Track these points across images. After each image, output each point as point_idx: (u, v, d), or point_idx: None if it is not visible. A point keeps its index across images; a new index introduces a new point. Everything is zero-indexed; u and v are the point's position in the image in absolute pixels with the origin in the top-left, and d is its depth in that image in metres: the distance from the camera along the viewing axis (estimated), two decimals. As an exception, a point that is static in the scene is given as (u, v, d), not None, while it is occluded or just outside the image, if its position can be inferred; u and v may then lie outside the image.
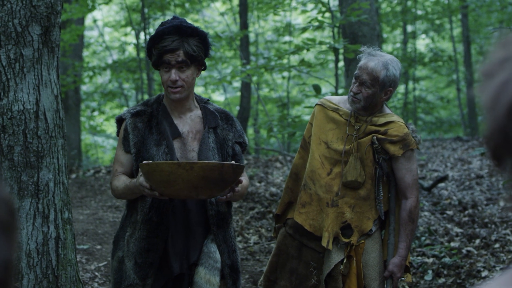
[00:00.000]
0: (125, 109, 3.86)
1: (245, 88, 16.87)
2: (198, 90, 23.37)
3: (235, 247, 3.87)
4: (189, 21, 3.70)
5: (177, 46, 3.62)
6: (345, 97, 4.39)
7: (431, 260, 7.29)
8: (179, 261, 3.67)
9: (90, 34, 24.21)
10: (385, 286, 4.31)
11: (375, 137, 4.18)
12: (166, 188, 3.34)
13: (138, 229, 3.66)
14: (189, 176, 3.28)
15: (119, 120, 3.84)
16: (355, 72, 4.21)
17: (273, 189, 11.06)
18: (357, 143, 4.22)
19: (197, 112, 3.85)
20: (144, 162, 3.39)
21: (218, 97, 25.39)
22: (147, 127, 3.72)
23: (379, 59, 4.14)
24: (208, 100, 4.00)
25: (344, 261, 4.23)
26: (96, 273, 6.96)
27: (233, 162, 3.46)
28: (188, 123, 3.79)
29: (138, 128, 3.71)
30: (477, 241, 7.86)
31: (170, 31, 3.63)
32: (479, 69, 1.20)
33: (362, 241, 4.27)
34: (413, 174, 4.24)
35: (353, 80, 4.21)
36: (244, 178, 3.70)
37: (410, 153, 4.23)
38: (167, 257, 3.66)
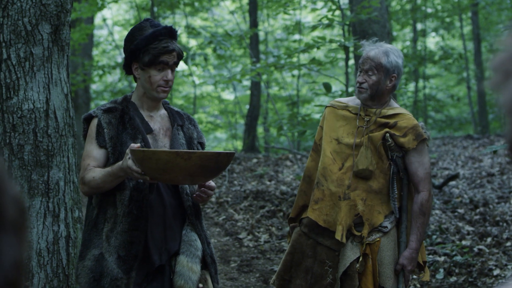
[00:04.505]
0: (92, 109, 3.87)
1: (255, 86, 16.87)
2: (208, 89, 23.40)
3: (209, 239, 3.96)
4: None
5: (173, 48, 3.72)
6: (354, 97, 4.47)
7: (442, 258, 7.26)
8: (159, 252, 3.72)
9: (100, 33, 24.24)
10: (398, 281, 4.30)
11: (388, 134, 4.21)
12: (160, 175, 3.40)
13: (119, 222, 3.65)
14: (187, 165, 3.35)
15: (87, 119, 3.82)
16: (359, 63, 4.35)
17: (284, 188, 11.04)
18: (368, 136, 4.25)
19: (164, 112, 3.94)
20: (139, 148, 3.43)
21: (228, 96, 25.38)
22: (120, 123, 3.76)
23: (379, 48, 4.29)
24: (169, 102, 4.10)
25: (360, 259, 4.22)
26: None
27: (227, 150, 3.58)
28: (158, 120, 3.87)
29: (112, 124, 3.74)
30: (489, 239, 7.82)
31: (164, 32, 3.71)
32: (493, 62, 1.16)
33: (378, 239, 4.26)
34: (425, 167, 4.28)
35: (358, 73, 4.34)
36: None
37: (422, 146, 4.28)
38: (147, 249, 3.69)
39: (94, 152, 3.73)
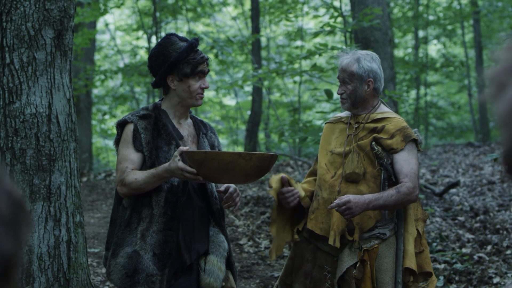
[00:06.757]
0: (126, 114, 4.03)
1: (257, 92, 16.87)
2: (210, 94, 23.43)
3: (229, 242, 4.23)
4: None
5: (207, 57, 4.03)
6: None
7: (442, 266, 7.26)
8: (189, 252, 3.96)
9: (102, 38, 24.25)
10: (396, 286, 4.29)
11: (374, 143, 4.24)
12: (219, 175, 3.63)
13: (155, 222, 3.86)
14: (247, 165, 3.61)
15: (122, 124, 3.99)
16: (337, 76, 4.48)
17: (284, 194, 11.02)
18: (356, 144, 4.30)
19: (190, 120, 4.19)
20: (200, 150, 3.84)
21: (229, 101, 25.40)
22: (155, 129, 3.96)
23: (351, 56, 4.38)
24: (192, 111, 4.35)
25: (357, 265, 4.22)
26: (107, 277, 6.96)
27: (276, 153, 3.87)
28: (186, 128, 4.12)
29: (148, 129, 3.94)
30: (489, 247, 7.82)
31: (196, 44, 3.99)
32: (488, 74, 1.17)
33: (376, 245, 4.25)
34: (411, 166, 4.22)
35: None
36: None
37: (411, 146, 4.27)
38: (179, 248, 3.91)
39: (131, 156, 3.91)
